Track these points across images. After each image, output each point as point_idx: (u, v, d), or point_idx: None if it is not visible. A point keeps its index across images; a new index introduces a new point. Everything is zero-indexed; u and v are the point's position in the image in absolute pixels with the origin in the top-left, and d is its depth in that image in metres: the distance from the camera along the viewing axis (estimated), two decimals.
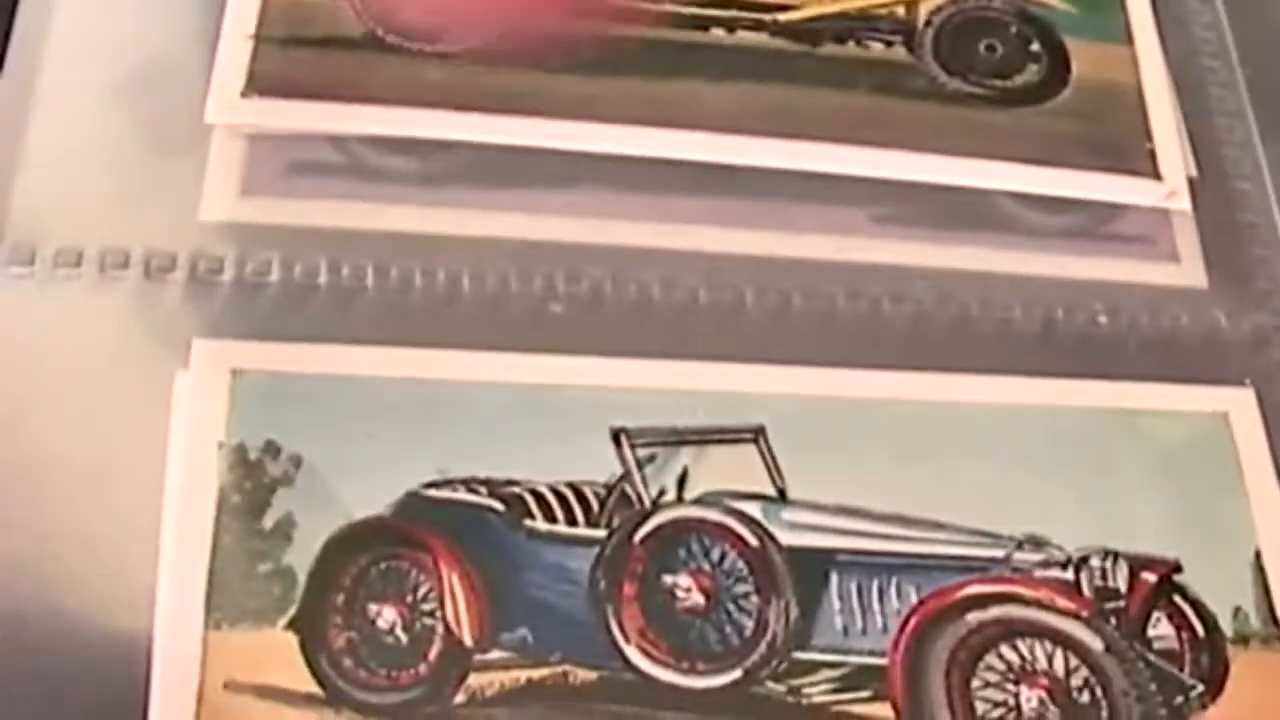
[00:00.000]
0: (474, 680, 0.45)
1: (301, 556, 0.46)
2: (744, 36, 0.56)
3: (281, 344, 0.49)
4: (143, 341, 0.48)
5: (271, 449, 0.47)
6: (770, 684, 0.47)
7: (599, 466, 0.48)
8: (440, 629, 0.46)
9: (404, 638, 0.46)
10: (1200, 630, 0.50)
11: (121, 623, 0.44)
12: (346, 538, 0.46)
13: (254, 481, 0.46)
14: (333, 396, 0.48)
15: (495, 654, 0.46)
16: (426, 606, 0.46)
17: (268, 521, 0.46)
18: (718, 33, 0.56)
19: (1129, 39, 0.60)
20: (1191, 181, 0.57)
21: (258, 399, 0.48)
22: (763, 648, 0.47)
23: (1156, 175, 0.57)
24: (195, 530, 0.46)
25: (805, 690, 0.47)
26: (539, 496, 0.48)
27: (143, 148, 0.51)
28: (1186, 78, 0.60)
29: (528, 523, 0.47)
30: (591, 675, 0.46)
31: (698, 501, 0.48)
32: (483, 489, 0.47)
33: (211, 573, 0.45)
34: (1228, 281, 0.57)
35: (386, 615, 0.46)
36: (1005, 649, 0.48)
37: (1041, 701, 0.47)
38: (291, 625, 0.45)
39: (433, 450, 0.48)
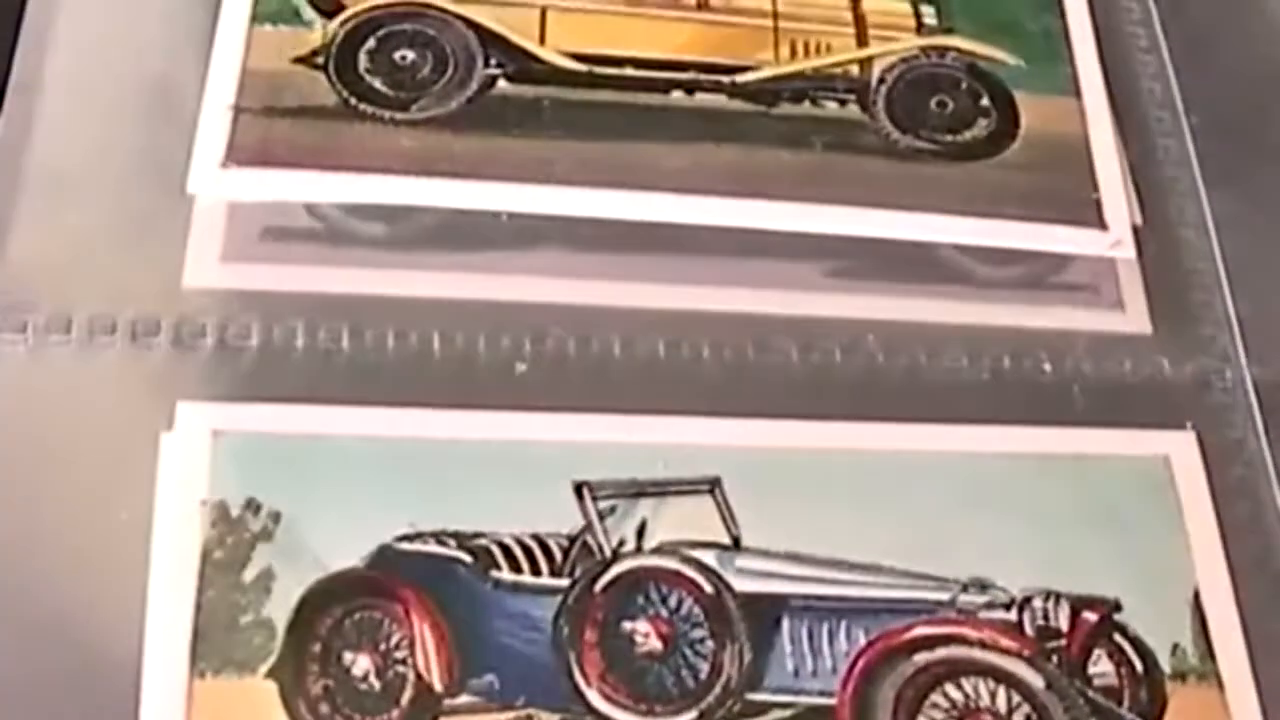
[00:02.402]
0: None
1: (281, 608, 0.48)
2: (703, 98, 0.59)
3: (261, 405, 0.51)
4: (129, 404, 0.51)
5: (252, 506, 0.50)
6: None
7: (563, 519, 0.51)
8: (411, 676, 0.48)
9: (377, 684, 0.48)
10: (1139, 667, 0.52)
11: (111, 671, 0.47)
12: (323, 590, 0.49)
13: (236, 537, 0.49)
14: (310, 455, 0.51)
15: (464, 699, 0.48)
16: (398, 654, 0.49)
17: (249, 575, 0.49)
18: (678, 95, 0.59)
19: (1076, 91, 0.62)
20: (1137, 230, 0.59)
21: (239, 458, 0.50)
22: (717, 689, 0.49)
23: (1102, 225, 0.59)
24: (180, 584, 0.48)
25: None
26: (505, 548, 0.50)
27: (128, 216, 0.54)
28: (1133, 127, 0.62)
29: (494, 573, 0.50)
30: (555, 718, 0.49)
31: (656, 551, 0.51)
32: (452, 541, 0.50)
33: (196, 624, 0.48)
34: (1171, 327, 0.59)
35: (361, 663, 0.49)
36: (950, 688, 0.50)
37: None
38: (271, 674, 0.47)
39: (405, 505, 0.50)
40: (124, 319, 0.52)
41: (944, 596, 0.51)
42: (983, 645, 0.50)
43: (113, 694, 0.46)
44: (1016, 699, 0.50)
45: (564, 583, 0.50)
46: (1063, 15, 0.64)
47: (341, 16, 0.57)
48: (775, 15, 0.60)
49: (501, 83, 0.58)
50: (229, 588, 0.48)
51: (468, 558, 0.50)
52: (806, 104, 0.60)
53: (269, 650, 0.48)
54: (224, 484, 0.50)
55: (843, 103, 0.60)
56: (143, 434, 0.50)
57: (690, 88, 0.59)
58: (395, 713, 0.48)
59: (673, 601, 0.50)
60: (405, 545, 0.50)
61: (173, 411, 0.50)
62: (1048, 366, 0.57)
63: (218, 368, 0.52)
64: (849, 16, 0.61)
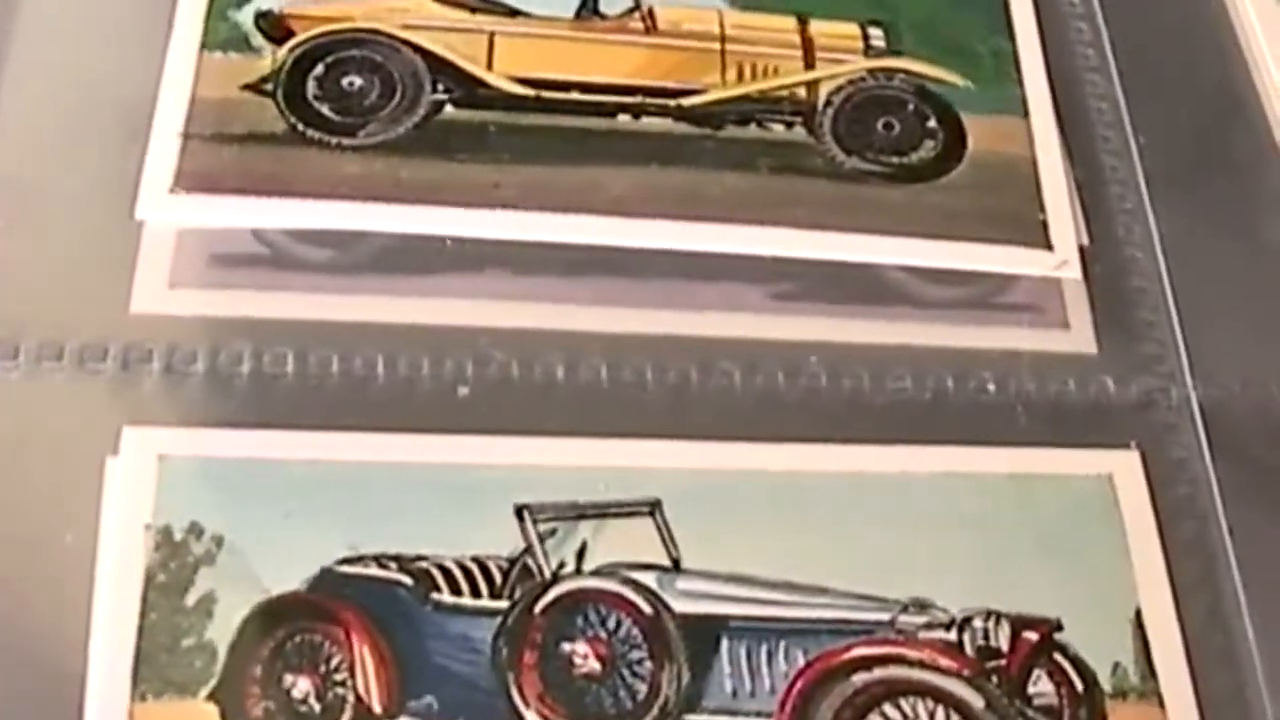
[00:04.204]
0: None
1: (222, 631, 0.49)
2: (649, 122, 0.59)
3: (206, 430, 0.52)
4: (76, 429, 0.52)
5: (195, 530, 0.50)
6: None
7: (504, 541, 0.51)
8: (351, 698, 0.49)
9: (317, 707, 0.49)
10: (1079, 686, 0.52)
11: (54, 693, 0.47)
12: (264, 613, 0.49)
13: (179, 561, 0.50)
14: (253, 479, 0.51)
15: None
16: (338, 677, 0.49)
17: (191, 599, 0.49)
18: (624, 119, 0.59)
19: (1025, 112, 0.62)
20: (1083, 249, 0.60)
21: (183, 483, 0.51)
22: (655, 711, 0.50)
23: (1048, 245, 0.59)
24: (123, 607, 0.49)
25: None
26: (445, 571, 0.50)
27: (77, 243, 0.54)
28: (1081, 147, 0.63)
29: (434, 596, 0.50)
30: None
31: (595, 573, 0.51)
32: (393, 564, 0.50)
33: (138, 647, 0.48)
34: (1116, 346, 0.59)
35: (301, 686, 0.49)
36: (889, 708, 0.50)
37: None
38: (212, 696, 0.48)
39: (346, 528, 0.51)
40: (71, 345, 0.53)
41: (884, 617, 0.52)
42: (922, 665, 0.51)
43: (55, 716, 0.47)
44: (956, 718, 0.50)
45: (503, 605, 0.50)
46: (1012, 36, 0.64)
47: (290, 43, 0.58)
48: (722, 39, 0.61)
49: (448, 108, 0.58)
50: (171, 611, 0.49)
51: (408, 580, 0.50)
52: (752, 127, 0.60)
53: (210, 673, 0.48)
54: (168, 508, 0.50)
55: (789, 125, 0.60)
56: (89, 458, 0.51)
57: (636, 111, 0.59)
58: None
59: (611, 623, 0.51)
60: (346, 568, 0.50)
61: (119, 436, 0.51)
62: (991, 386, 0.57)
63: (164, 393, 0.53)
64: (796, 40, 0.61)
